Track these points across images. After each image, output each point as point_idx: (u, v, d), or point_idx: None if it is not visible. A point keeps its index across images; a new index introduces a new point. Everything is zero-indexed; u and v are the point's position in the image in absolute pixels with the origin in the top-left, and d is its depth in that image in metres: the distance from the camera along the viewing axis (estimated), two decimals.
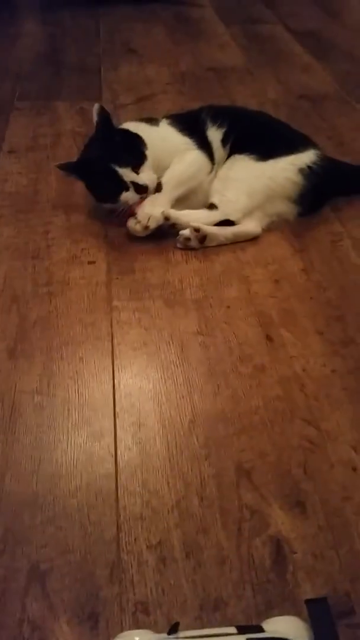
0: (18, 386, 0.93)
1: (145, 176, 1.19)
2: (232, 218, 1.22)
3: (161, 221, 1.18)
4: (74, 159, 1.45)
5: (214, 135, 1.32)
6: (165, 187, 1.21)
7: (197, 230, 1.18)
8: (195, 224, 1.18)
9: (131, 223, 1.20)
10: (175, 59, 2.03)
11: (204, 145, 1.30)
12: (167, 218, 1.18)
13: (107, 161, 1.18)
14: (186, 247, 1.20)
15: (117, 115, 1.65)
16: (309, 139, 1.34)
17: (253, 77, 1.93)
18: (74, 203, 1.31)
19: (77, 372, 0.96)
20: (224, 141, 1.31)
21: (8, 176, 1.40)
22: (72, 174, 1.25)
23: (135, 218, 1.19)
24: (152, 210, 1.18)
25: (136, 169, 1.18)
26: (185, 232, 1.18)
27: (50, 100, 1.74)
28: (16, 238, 1.22)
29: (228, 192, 1.24)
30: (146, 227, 1.18)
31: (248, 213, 1.23)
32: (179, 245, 1.20)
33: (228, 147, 1.30)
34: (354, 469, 0.83)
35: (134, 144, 1.22)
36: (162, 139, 1.28)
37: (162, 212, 1.18)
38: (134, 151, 1.21)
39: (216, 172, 1.29)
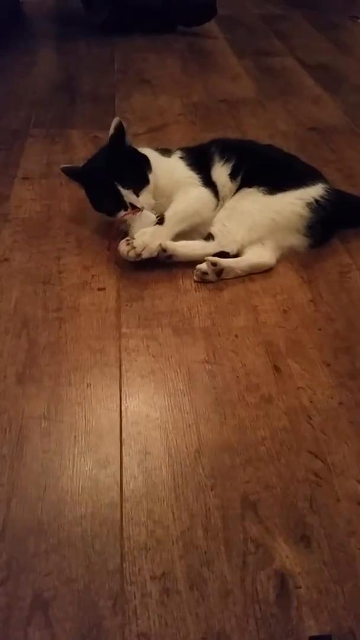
0: (26, 411, 0.94)
1: (144, 199, 1.22)
2: (227, 250, 1.23)
3: (155, 254, 1.20)
4: None
5: (221, 171, 1.34)
6: (167, 222, 1.23)
7: (214, 264, 1.18)
8: (212, 258, 1.19)
9: (123, 246, 1.20)
10: (188, 90, 2.07)
11: (210, 182, 1.32)
12: (164, 250, 1.20)
13: (112, 178, 1.21)
14: (203, 280, 1.20)
15: None
16: (317, 172, 1.36)
17: (264, 109, 1.96)
18: (86, 229, 1.33)
19: (84, 399, 0.96)
20: (232, 175, 1.33)
21: (22, 202, 1.43)
22: (75, 179, 1.28)
23: (129, 241, 1.19)
24: (150, 240, 1.19)
25: (137, 191, 1.22)
26: (203, 267, 1.19)
27: (65, 128, 1.78)
28: (28, 263, 1.24)
29: (229, 222, 1.25)
30: (138, 255, 1.19)
31: (244, 246, 1.24)
32: (195, 279, 1.21)
33: (238, 179, 1.32)
34: None
35: (140, 166, 1.26)
36: (169, 170, 1.31)
37: (159, 245, 1.19)
38: (138, 173, 1.24)
39: (222, 207, 1.31)
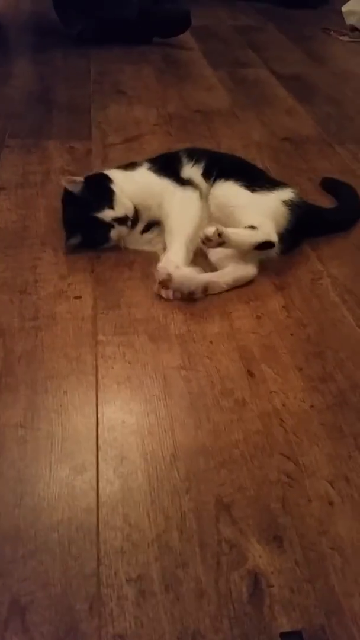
0: (2, 420, 0.94)
1: (119, 208, 1.26)
2: (272, 239, 1.22)
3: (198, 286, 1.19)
4: None
5: (192, 171, 1.37)
6: (175, 237, 1.25)
7: (219, 234, 1.16)
8: (220, 228, 1.16)
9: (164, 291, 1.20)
10: (163, 101, 2.10)
11: (183, 181, 1.35)
12: (219, 234, 1.16)
13: (87, 213, 1.26)
14: (190, 299, 1.19)
15: (106, 155, 1.71)
16: (285, 184, 1.39)
17: (238, 120, 2.00)
18: (62, 239, 1.34)
19: (61, 406, 0.97)
20: (205, 174, 1.36)
21: None
22: (74, 236, 1.29)
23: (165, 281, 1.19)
24: (179, 262, 1.21)
25: (111, 204, 1.25)
26: (209, 231, 1.16)
27: (41, 138, 1.79)
28: (4, 273, 1.25)
29: (251, 215, 1.24)
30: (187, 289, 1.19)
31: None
32: (179, 296, 1.19)
33: (212, 179, 1.35)
34: (331, 504, 0.85)
35: (100, 186, 1.29)
36: (142, 184, 1.33)
37: (216, 229, 1.15)
38: (102, 191, 1.28)
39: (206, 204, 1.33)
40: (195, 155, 1.40)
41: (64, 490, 0.85)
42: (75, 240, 1.29)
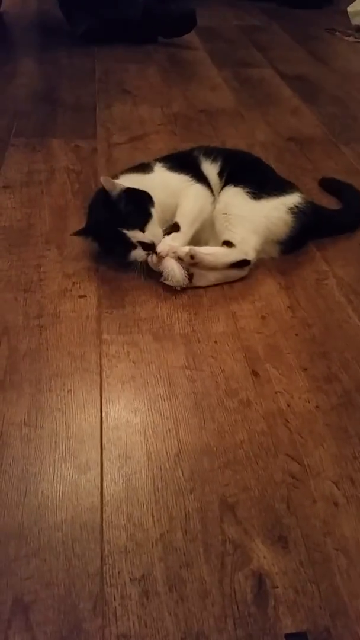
0: (6, 418, 0.94)
1: (150, 233, 1.21)
2: (249, 257, 1.23)
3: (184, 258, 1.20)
4: (68, 194, 1.49)
5: (210, 168, 1.37)
6: (182, 227, 1.24)
7: (192, 256, 1.18)
8: (193, 249, 1.18)
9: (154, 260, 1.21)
10: (168, 100, 2.10)
11: (202, 178, 1.34)
12: (192, 256, 1.18)
13: (115, 225, 1.21)
14: (170, 277, 1.20)
15: (110, 154, 1.71)
16: (292, 183, 1.39)
17: (243, 119, 1.99)
18: (67, 237, 1.34)
19: (65, 404, 0.97)
20: (220, 174, 1.36)
21: (2, 210, 1.43)
22: (87, 236, 1.27)
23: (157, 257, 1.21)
24: (174, 245, 1.21)
25: (142, 228, 1.21)
26: (183, 251, 1.19)
27: (46, 137, 1.79)
28: (9, 271, 1.25)
29: (237, 229, 1.25)
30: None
31: (258, 251, 1.25)
32: (168, 282, 1.20)
33: (223, 179, 1.35)
34: (336, 505, 0.84)
35: (140, 203, 1.24)
36: (162, 185, 1.31)
37: (189, 251, 1.18)
38: (140, 211, 1.23)
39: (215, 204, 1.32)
40: (212, 153, 1.39)
41: (68, 488, 0.84)
42: (85, 237, 1.27)
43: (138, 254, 1.22)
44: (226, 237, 1.25)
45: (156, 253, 1.20)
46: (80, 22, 2.60)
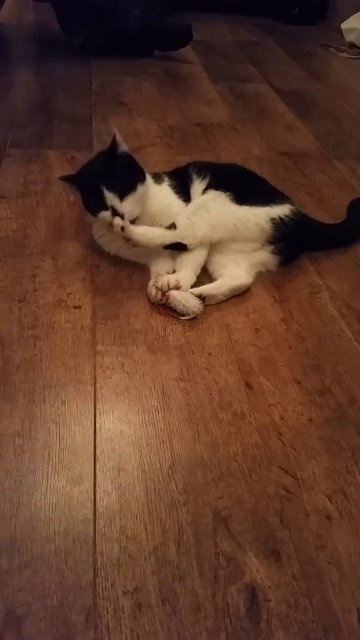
0: None
1: (127, 205, 1.24)
2: (186, 242, 1.25)
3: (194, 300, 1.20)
4: (64, 205, 1.50)
5: (198, 188, 1.38)
6: (183, 264, 1.27)
7: (199, 296, 1.20)
8: (197, 291, 1.20)
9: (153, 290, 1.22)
10: (164, 114, 2.11)
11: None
12: (122, 229, 1.22)
13: (98, 181, 1.24)
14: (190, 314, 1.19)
15: None
16: (286, 196, 1.40)
17: (238, 134, 2.01)
18: (62, 248, 1.34)
19: (59, 416, 0.97)
20: (206, 189, 1.37)
21: None
22: (70, 183, 1.30)
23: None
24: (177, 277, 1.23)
25: (122, 196, 1.23)
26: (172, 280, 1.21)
27: (42, 148, 1.80)
28: (3, 281, 1.25)
29: (194, 217, 1.27)
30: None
31: (203, 244, 1.27)
32: (187, 318, 1.19)
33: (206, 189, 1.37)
34: (329, 518, 0.84)
35: (131, 173, 1.27)
36: (162, 198, 1.34)
37: (118, 224, 1.22)
38: (127, 179, 1.25)
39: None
40: (203, 171, 1.40)
41: (61, 500, 0.84)
42: (69, 184, 1.31)
43: (107, 215, 1.24)
44: (175, 219, 1.28)
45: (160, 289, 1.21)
46: (77, 35, 2.62)
